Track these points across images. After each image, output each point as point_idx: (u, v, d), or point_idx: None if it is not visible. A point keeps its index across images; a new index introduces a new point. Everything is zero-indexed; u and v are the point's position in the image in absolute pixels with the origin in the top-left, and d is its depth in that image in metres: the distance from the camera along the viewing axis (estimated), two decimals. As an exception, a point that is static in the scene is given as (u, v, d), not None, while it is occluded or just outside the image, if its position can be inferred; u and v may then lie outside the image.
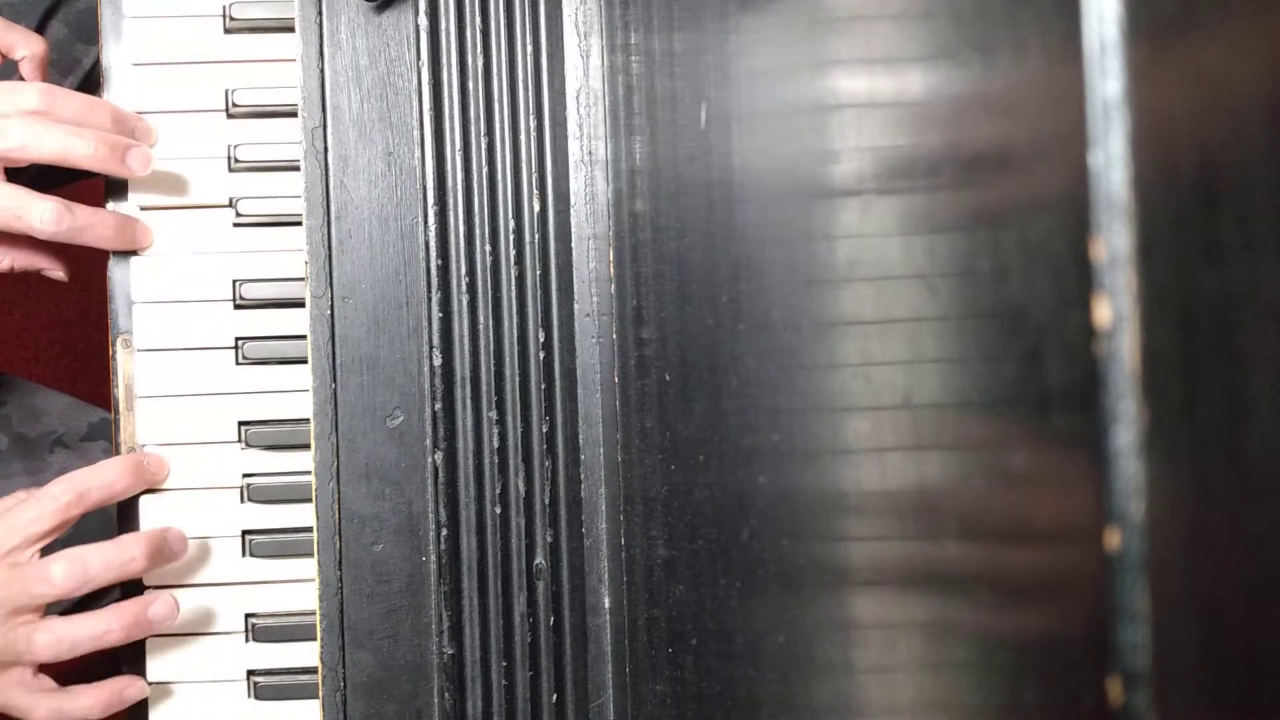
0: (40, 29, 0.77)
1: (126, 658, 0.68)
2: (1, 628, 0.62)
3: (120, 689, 0.66)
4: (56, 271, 0.70)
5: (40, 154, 0.64)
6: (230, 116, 0.70)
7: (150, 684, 0.68)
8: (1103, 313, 0.25)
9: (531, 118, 0.67)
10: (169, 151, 0.69)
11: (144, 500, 0.68)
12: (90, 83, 0.77)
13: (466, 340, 0.66)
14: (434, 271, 0.66)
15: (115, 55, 0.70)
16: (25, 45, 0.67)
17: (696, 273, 0.51)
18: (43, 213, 0.64)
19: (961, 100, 0.31)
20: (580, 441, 0.66)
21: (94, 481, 0.65)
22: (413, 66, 0.66)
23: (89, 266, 0.74)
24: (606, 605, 0.66)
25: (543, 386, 0.66)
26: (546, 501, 0.66)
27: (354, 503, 0.65)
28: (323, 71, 0.66)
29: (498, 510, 0.65)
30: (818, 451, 0.40)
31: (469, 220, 0.66)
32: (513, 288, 0.66)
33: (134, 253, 0.69)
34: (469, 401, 0.66)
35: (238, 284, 0.69)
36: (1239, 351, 0.24)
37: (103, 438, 0.81)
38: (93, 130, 0.65)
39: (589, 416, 0.66)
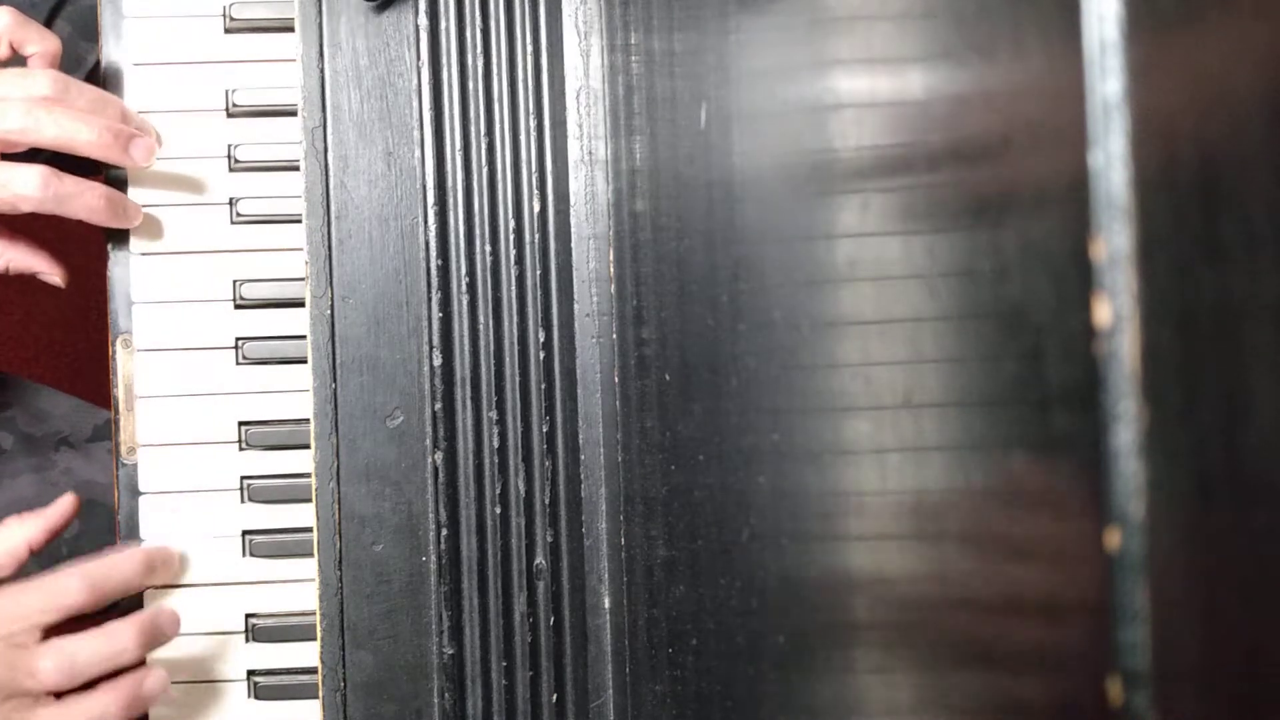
0: (46, 27, 0.77)
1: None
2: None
3: None
4: (54, 276, 0.69)
5: (41, 138, 0.63)
6: (230, 116, 0.70)
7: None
8: (1103, 313, 0.25)
9: (531, 118, 0.67)
10: (169, 151, 0.69)
11: (144, 501, 0.68)
12: (93, 81, 0.77)
13: (466, 340, 0.66)
14: (434, 271, 0.66)
15: (115, 55, 0.70)
16: (38, 42, 0.67)
17: (696, 273, 0.51)
18: (27, 179, 0.63)
19: (961, 100, 0.31)
20: (580, 441, 0.66)
21: (110, 579, 0.63)
22: (413, 66, 0.66)
23: (89, 266, 0.74)
24: (606, 605, 0.66)
25: (543, 386, 0.66)
26: (546, 501, 0.66)
27: (354, 503, 0.65)
28: (323, 71, 0.66)
29: (498, 510, 0.65)
30: (818, 451, 0.40)
31: (469, 220, 0.66)
32: (513, 288, 0.66)
33: (127, 242, 0.69)
34: (469, 401, 0.66)
35: (238, 284, 0.69)
36: (1239, 351, 0.24)
37: (108, 439, 0.81)
38: (96, 118, 0.64)
39: (589, 416, 0.66)
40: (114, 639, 0.63)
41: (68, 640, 0.62)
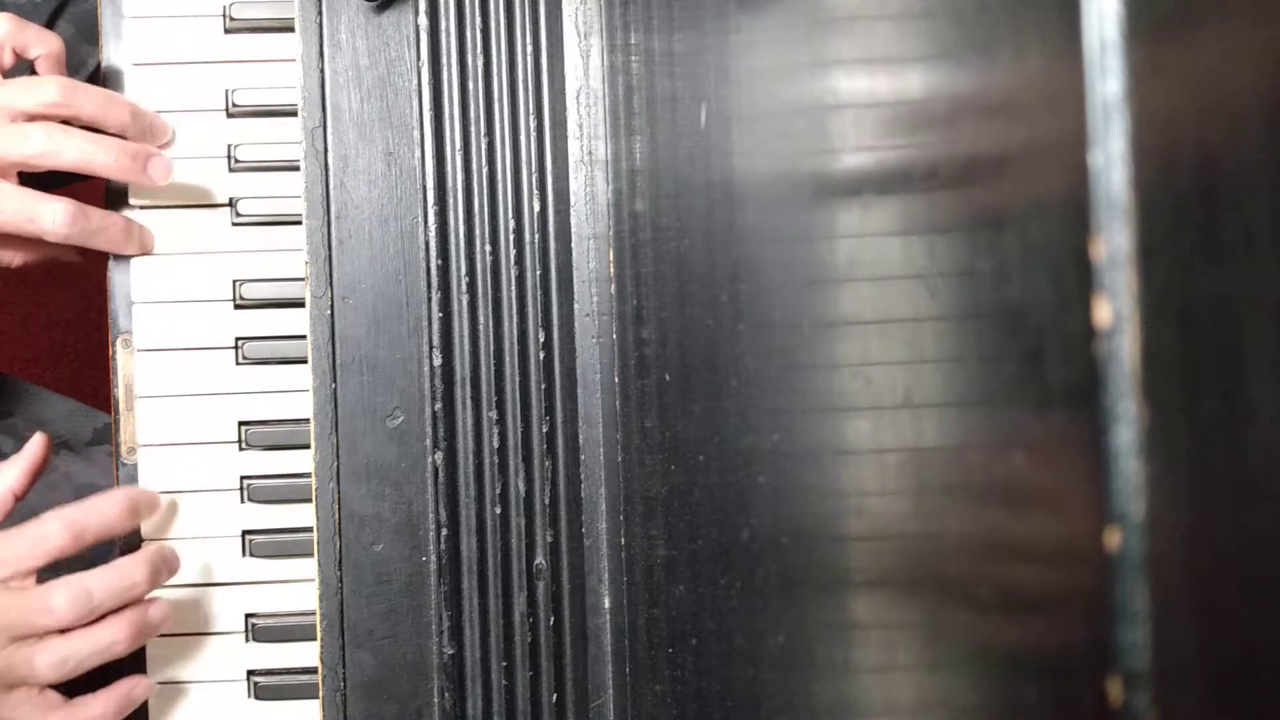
0: (48, 29, 0.77)
1: (126, 657, 0.68)
2: (1, 653, 0.61)
3: (128, 690, 0.66)
4: (69, 255, 0.70)
5: (60, 161, 0.63)
6: (230, 116, 0.70)
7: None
8: (1103, 313, 0.25)
9: (531, 118, 0.67)
10: (170, 151, 0.69)
11: (144, 500, 0.69)
12: (95, 83, 0.77)
13: (466, 340, 0.66)
14: (434, 271, 0.66)
15: (115, 55, 0.70)
16: (40, 44, 0.67)
17: (696, 273, 0.51)
18: (55, 215, 0.64)
19: (961, 100, 0.31)
20: (580, 441, 0.66)
21: (90, 521, 0.63)
22: (413, 66, 0.66)
23: (89, 267, 0.74)
24: (606, 605, 0.66)
25: (543, 386, 0.66)
26: (546, 501, 0.66)
27: (354, 503, 0.65)
28: (323, 71, 0.66)
29: (498, 510, 0.65)
30: (818, 451, 0.40)
31: (469, 220, 0.66)
32: (513, 288, 0.66)
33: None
34: (469, 401, 0.66)
35: (238, 284, 0.69)
36: (1239, 351, 0.24)
37: (107, 442, 0.81)
38: (114, 139, 0.65)
39: (589, 416, 0.66)
40: (125, 573, 0.64)
41: (81, 575, 0.63)
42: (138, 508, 0.66)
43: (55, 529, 0.62)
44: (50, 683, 0.63)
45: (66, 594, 0.62)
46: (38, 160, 0.63)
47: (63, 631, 0.63)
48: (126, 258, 0.69)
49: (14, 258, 0.68)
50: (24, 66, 0.68)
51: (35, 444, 0.66)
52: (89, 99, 0.65)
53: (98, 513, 0.64)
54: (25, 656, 0.61)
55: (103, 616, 0.64)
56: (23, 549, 0.62)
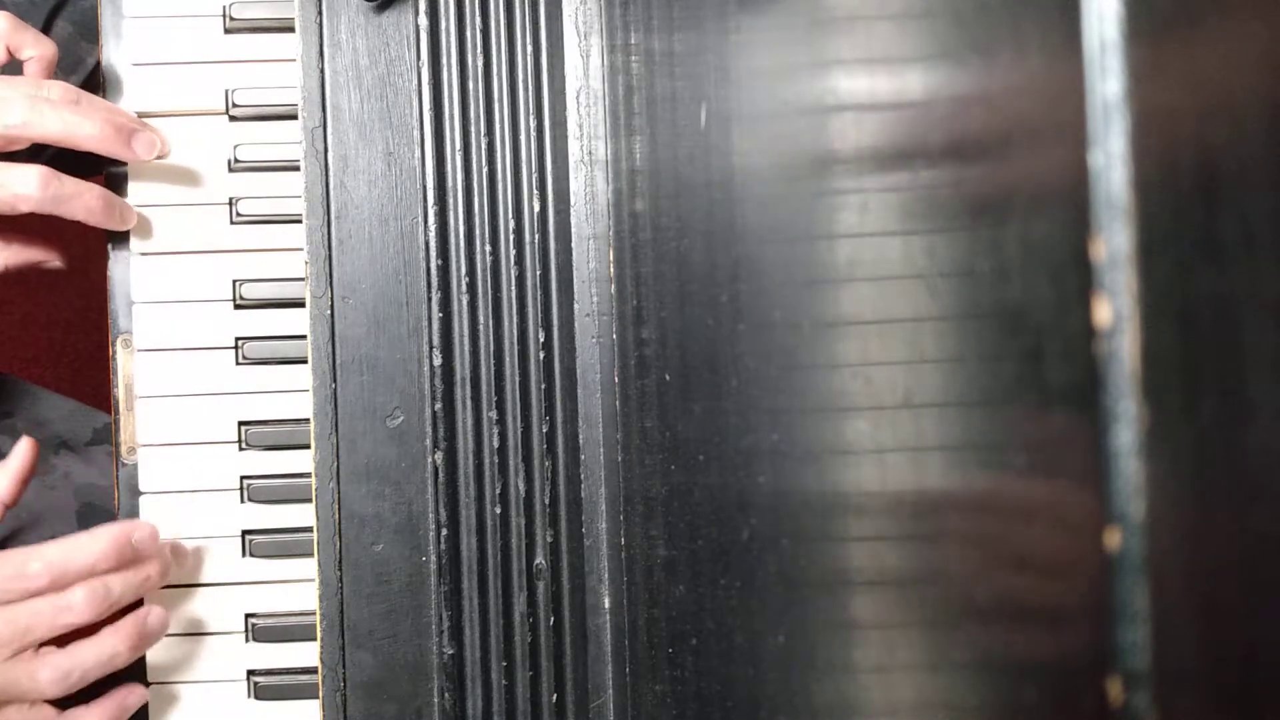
0: (46, 27, 0.77)
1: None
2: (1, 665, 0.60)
3: (122, 699, 0.65)
4: (53, 261, 0.69)
5: (43, 131, 0.63)
6: (231, 117, 0.70)
7: (150, 684, 0.68)
8: (1103, 313, 0.25)
9: (531, 118, 0.67)
10: (170, 152, 0.69)
11: (144, 501, 0.68)
12: (93, 82, 0.77)
13: (466, 340, 0.66)
14: (434, 271, 0.66)
15: (115, 55, 0.70)
16: (34, 46, 0.66)
17: (696, 273, 0.51)
18: (27, 179, 0.63)
19: (961, 100, 0.31)
20: (580, 441, 0.66)
21: (71, 565, 0.61)
22: (413, 66, 0.66)
23: (89, 266, 0.74)
24: (606, 605, 0.66)
25: (543, 386, 0.66)
26: (546, 501, 0.66)
27: (354, 503, 0.65)
28: (323, 71, 0.66)
29: (498, 510, 0.65)
30: (818, 451, 0.40)
31: (469, 220, 0.66)
32: (513, 288, 0.66)
33: (128, 242, 0.69)
34: (469, 401, 0.66)
35: (238, 284, 0.69)
36: (1239, 351, 0.24)
37: (107, 442, 0.81)
38: (99, 111, 0.64)
39: (589, 416, 0.66)
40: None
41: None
42: (127, 547, 0.63)
43: (37, 569, 0.60)
44: (54, 697, 0.62)
45: (85, 591, 0.61)
46: (20, 131, 0.62)
47: (62, 645, 0.62)
48: (127, 258, 0.69)
49: None
50: (14, 68, 0.68)
51: (23, 450, 0.65)
52: (91, 105, 0.64)
53: (82, 554, 0.61)
54: (26, 670, 0.60)
55: (98, 628, 0.63)
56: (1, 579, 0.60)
